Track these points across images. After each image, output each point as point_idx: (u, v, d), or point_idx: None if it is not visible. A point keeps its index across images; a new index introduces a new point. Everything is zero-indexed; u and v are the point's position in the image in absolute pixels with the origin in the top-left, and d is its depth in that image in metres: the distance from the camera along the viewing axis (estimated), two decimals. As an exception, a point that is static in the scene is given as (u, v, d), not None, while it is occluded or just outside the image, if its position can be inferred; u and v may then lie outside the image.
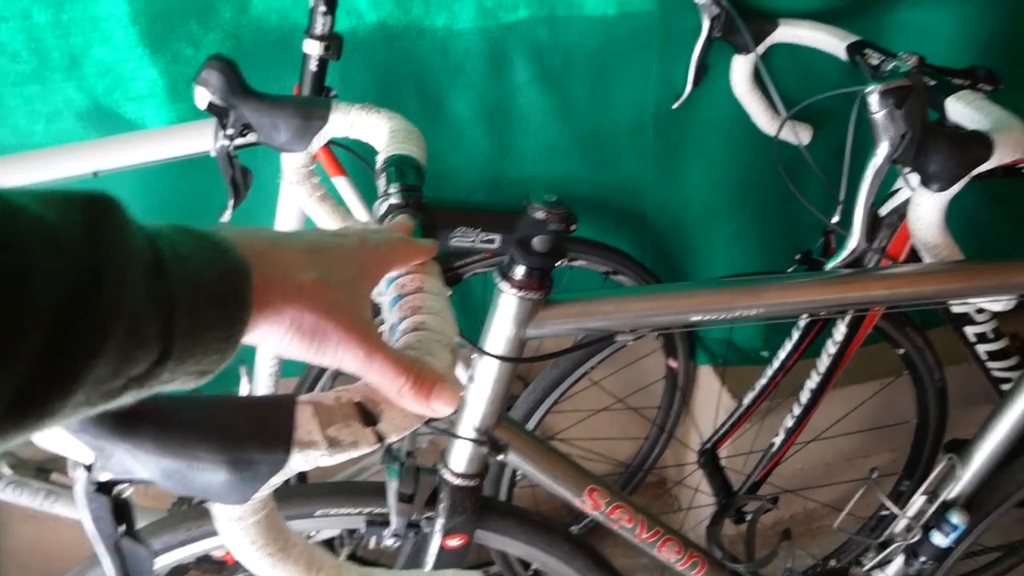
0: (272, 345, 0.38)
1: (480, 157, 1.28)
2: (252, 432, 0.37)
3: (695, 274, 1.49)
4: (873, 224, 1.08)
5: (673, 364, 1.52)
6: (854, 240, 0.82)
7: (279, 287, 0.37)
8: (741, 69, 1.23)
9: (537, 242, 0.70)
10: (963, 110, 0.88)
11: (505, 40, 1.18)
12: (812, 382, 1.22)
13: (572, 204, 1.35)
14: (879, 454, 1.65)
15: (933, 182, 0.79)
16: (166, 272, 0.31)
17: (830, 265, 0.84)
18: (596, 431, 1.57)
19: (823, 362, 1.20)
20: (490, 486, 1.31)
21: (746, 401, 1.31)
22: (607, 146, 1.31)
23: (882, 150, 0.77)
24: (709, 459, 1.34)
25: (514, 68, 1.21)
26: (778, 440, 1.26)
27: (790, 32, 1.18)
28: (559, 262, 0.71)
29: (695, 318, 0.75)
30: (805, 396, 1.23)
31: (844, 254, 0.82)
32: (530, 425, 1.32)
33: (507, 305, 0.73)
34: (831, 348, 1.19)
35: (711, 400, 1.54)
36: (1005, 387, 1.25)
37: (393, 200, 0.63)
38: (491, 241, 0.70)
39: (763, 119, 1.26)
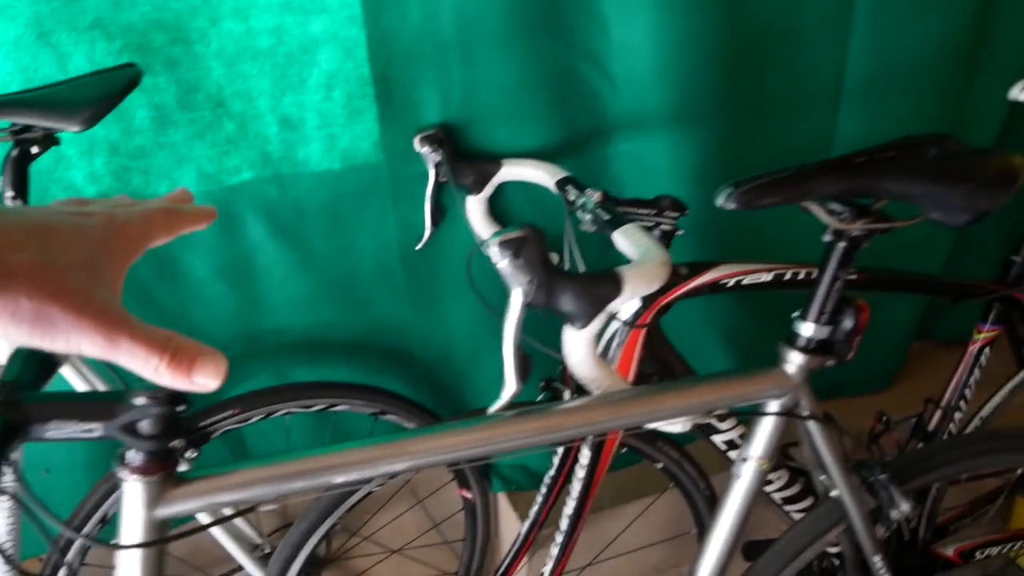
0: None
1: (227, 312, 1.28)
2: None
3: (474, 404, 1.50)
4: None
5: (467, 495, 1.51)
6: (510, 385, 0.85)
7: None
8: (475, 209, 1.29)
9: (144, 426, 0.69)
10: (623, 243, 0.94)
11: (233, 201, 1.20)
12: (568, 508, 1.22)
13: (332, 348, 1.37)
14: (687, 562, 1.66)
15: (572, 321, 0.82)
16: None
17: (491, 409, 0.86)
18: (410, 569, 1.53)
19: (575, 487, 1.21)
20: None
21: (523, 530, 1.30)
22: (358, 290, 1.33)
23: (515, 297, 0.81)
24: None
25: (247, 226, 1.23)
26: (547, 569, 1.25)
27: (513, 171, 1.25)
28: (176, 440, 0.71)
29: (339, 480, 0.75)
30: (564, 523, 1.23)
31: (502, 399, 0.84)
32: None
33: (131, 492, 0.72)
34: (580, 473, 1.20)
35: (513, 528, 1.53)
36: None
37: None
38: (91, 431, 0.68)
39: (506, 252, 1.31)
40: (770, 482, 1.27)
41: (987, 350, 1.34)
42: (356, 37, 1.13)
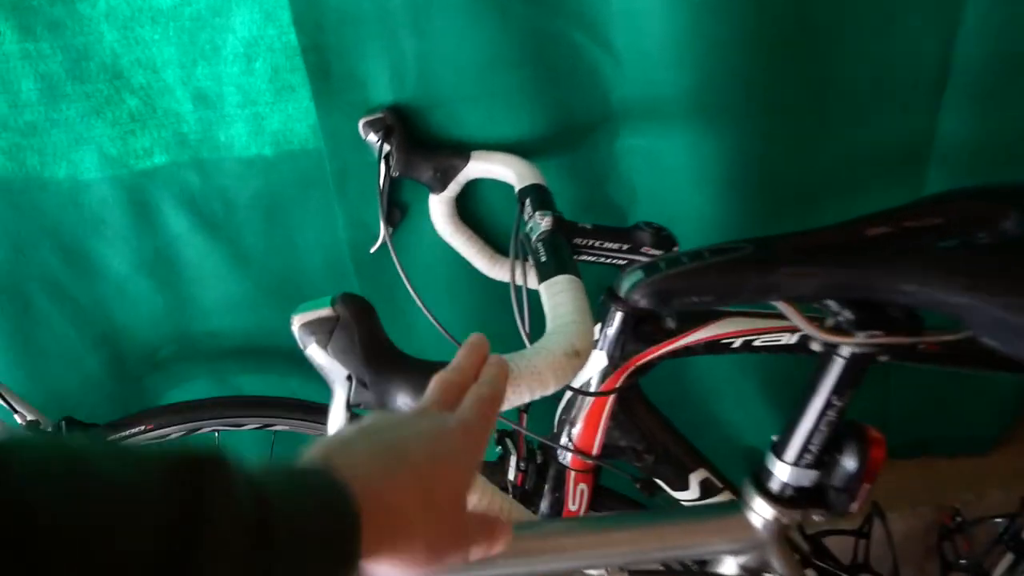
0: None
1: (154, 311, 1.12)
2: None
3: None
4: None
5: None
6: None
7: (390, 544, 0.36)
8: (438, 209, 1.05)
9: None
10: (545, 304, 0.68)
11: (146, 188, 1.02)
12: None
13: (282, 357, 1.19)
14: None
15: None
16: (271, 538, 0.30)
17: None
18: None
19: None
20: None
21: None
22: (306, 294, 1.13)
23: (337, 397, 0.58)
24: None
25: (166, 217, 1.05)
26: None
27: (483, 167, 1.00)
28: None
29: None
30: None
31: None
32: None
33: None
34: None
35: None
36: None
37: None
38: None
39: (481, 262, 1.08)
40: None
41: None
42: (276, -4, 0.90)
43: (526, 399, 0.59)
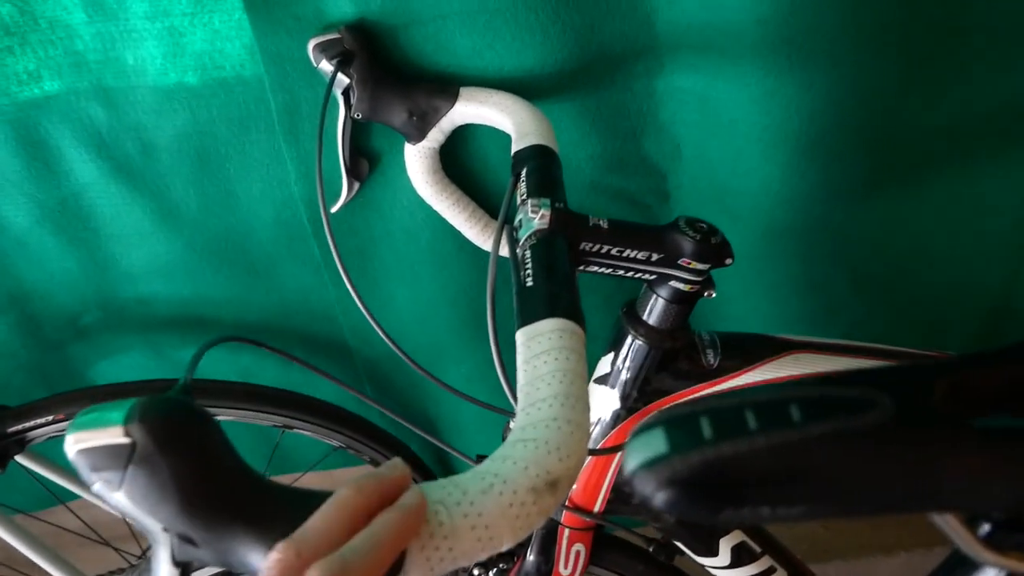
0: None
1: (69, 273, 0.90)
2: None
3: (435, 411, 1.08)
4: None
5: None
6: None
7: None
8: (417, 164, 0.79)
9: None
10: (520, 358, 0.44)
11: (38, 123, 0.78)
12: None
13: (229, 329, 0.97)
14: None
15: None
16: None
17: None
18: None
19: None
20: None
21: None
22: (254, 258, 0.90)
23: (158, 556, 0.36)
24: None
25: (69, 159, 0.81)
26: None
27: (472, 110, 0.74)
28: None
29: None
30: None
31: None
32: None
33: None
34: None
35: None
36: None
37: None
38: None
39: (472, 229, 0.83)
40: None
41: None
42: None
43: (462, 565, 0.36)
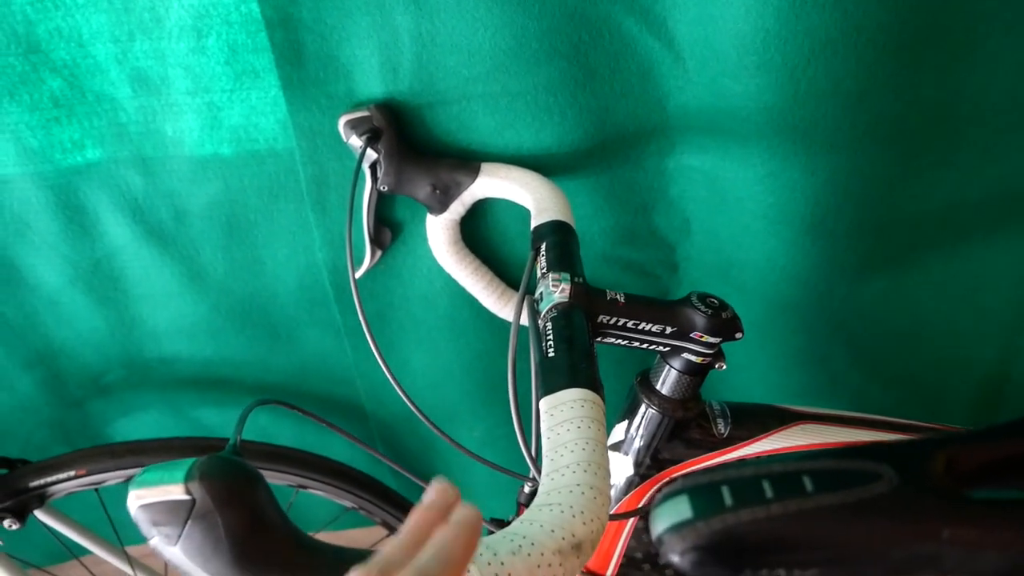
0: None
1: (96, 332, 0.93)
2: None
3: (449, 476, 1.09)
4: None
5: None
6: None
7: None
8: (438, 234, 0.83)
9: None
10: (544, 426, 0.47)
11: (78, 189, 0.82)
12: None
13: (248, 391, 1.00)
14: None
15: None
16: None
17: None
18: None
19: None
20: None
21: None
22: (277, 322, 0.93)
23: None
24: None
25: (104, 223, 0.85)
26: None
27: (494, 184, 0.78)
28: None
29: None
30: None
31: None
32: None
33: None
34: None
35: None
36: None
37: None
38: None
39: (489, 299, 0.86)
40: None
41: None
42: (230, -48, 0.69)
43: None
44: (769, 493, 0.28)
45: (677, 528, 0.28)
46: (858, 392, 0.97)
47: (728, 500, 0.28)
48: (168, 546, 0.35)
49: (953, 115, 0.74)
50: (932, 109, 0.74)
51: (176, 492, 0.35)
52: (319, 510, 1.10)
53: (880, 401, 0.98)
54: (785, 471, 0.29)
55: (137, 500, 0.35)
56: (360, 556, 0.39)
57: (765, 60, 0.68)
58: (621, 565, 0.70)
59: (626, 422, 0.65)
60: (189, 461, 0.36)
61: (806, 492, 0.28)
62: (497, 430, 1.02)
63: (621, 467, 0.65)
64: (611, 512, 0.67)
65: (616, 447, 0.66)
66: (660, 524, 0.29)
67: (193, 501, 0.35)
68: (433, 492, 0.36)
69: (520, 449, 0.53)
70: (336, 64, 0.74)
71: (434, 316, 0.92)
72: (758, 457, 0.59)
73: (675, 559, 0.28)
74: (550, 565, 0.38)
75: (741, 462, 0.31)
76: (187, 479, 0.35)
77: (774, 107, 0.71)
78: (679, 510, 0.28)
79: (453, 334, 0.93)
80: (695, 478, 0.30)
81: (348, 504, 0.97)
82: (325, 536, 1.12)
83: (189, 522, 0.35)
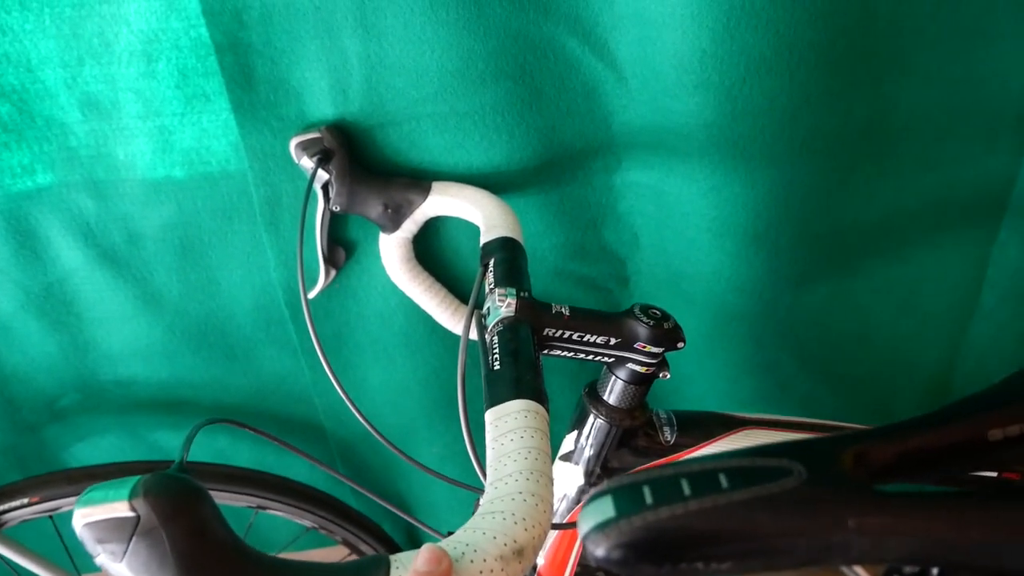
0: None
1: (49, 356, 0.92)
2: None
3: (408, 493, 1.10)
4: None
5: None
6: None
7: None
8: (391, 252, 0.84)
9: None
10: (489, 435, 0.48)
11: (29, 214, 0.82)
12: None
13: (206, 412, 0.99)
14: None
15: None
16: None
17: None
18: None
19: None
20: None
21: None
22: (233, 343, 0.94)
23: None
24: None
25: (56, 248, 0.85)
26: None
27: (444, 203, 0.79)
28: None
29: None
30: None
31: None
32: None
33: None
34: None
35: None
36: None
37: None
38: None
39: (443, 315, 0.87)
40: None
41: None
42: (178, -21, 0.70)
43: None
44: (687, 491, 0.30)
45: (601, 527, 0.29)
46: (807, 397, 0.99)
47: (649, 499, 0.30)
48: (114, 563, 0.36)
49: (887, 127, 0.78)
50: (866, 122, 0.77)
51: (121, 509, 0.35)
52: (280, 531, 1.10)
53: (829, 405, 1.01)
54: (702, 470, 0.30)
55: (82, 518, 0.36)
56: (307, 570, 0.40)
57: (703, 79, 0.70)
58: (576, 574, 0.71)
59: (576, 432, 0.66)
60: (134, 479, 0.36)
61: (721, 489, 0.30)
62: (456, 445, 1.02)
63: (572, 477, 0.67)
64: (565, 520, 0.68)
65: (567, 457, 0.67)
66: (586, 524, 0.30)
67: (138, 518, 0.35)
68: (424, 561, 0.37)
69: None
70: (286, 87, 0.76)
71: (390, 334, 0.93)
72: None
73: (600, 556, 0.29)
74: (492, 571, 0.39)
75: (664, 464, 0.33)
76: (131, 496, 0.35)
77: (713, 124, 0.73)
78: (603, 510, 0.30)
79: (409, 351, 0.94)
80: (619, 479, 0.31)
81: (308, 524, 0.97)
82: (287, 557, 1.11)
83: (134, 538, 0.35)
